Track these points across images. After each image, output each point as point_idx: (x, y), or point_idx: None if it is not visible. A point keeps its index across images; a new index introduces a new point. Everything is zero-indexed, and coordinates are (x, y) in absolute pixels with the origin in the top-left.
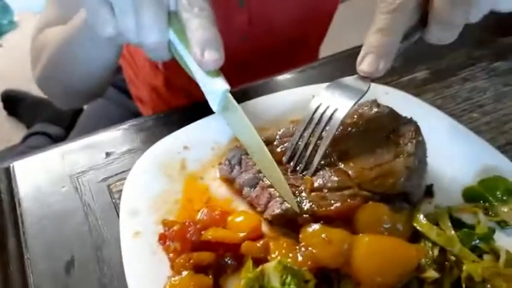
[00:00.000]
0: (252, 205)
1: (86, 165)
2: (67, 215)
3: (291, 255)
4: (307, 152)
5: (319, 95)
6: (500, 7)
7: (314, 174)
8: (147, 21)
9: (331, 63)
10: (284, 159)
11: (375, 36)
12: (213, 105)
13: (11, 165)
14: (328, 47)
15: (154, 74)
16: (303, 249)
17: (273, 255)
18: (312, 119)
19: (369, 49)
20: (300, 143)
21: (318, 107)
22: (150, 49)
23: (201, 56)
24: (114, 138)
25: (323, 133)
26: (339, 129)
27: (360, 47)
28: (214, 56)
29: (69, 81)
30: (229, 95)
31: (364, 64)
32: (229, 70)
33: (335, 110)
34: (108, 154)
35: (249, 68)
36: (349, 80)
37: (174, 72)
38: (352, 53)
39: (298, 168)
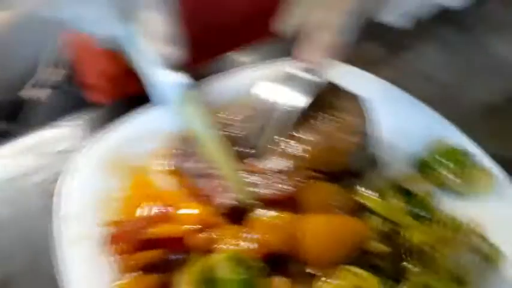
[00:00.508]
0: (200, 196)
1: (18, 168)
2: (1, 225)
3: (241, 243)
4: (259, 140)
5: (273, 86)
6: None
7: (262, 159)
8: (99, 13)
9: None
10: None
11: (321, 31)
12: (169, 99)
13: None
14: None
15: (106, 59)
16: (250, 235)
17: (220, 245)
18: (266, 110)
19: (314, 41)
20: (252, 130)
21: (272, 99)
22: (101, 41)
23: (164, 50)
24: (52, 136)
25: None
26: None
27: None
28: (177, 51)
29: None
30: (191, 91)
31: (309, 54)
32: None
33: (291, 105)
34: (46, 154)
35: (203, 45)
36: (301, 72)
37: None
38: None
39: (249, 153)
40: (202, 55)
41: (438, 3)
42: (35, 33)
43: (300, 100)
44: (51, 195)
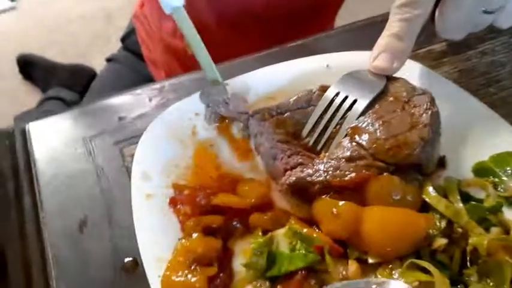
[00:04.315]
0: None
1: (99, 128)
2: (80, 176)
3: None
4: (325, 134)
5: (336, 84)
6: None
7: (332, 146)
8: None
9: (345, 33)
10: (303, 134)
11: (389, 39)
12: (165, 9)
13: (27, 126)
14: (344, 19)
15: (174, 35)
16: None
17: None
18: (330, 105)
19: (383, 48)
20: (318, 124)
21: (336, 95)
22: None
23: None
24: (127, 102)
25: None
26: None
27: (375, 17)
28: None
29: None
30: (184, 12)
31: (379, 60)
32: (244, 21)
33: (354, 101)
34: (120, 118)
35: (264, 21)
36: (365, 72)
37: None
38: (367, 24)
39: (317, 145)
40: (267, 32)
41: (490, 23)
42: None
43: (364, 104)
44: (127, 156)
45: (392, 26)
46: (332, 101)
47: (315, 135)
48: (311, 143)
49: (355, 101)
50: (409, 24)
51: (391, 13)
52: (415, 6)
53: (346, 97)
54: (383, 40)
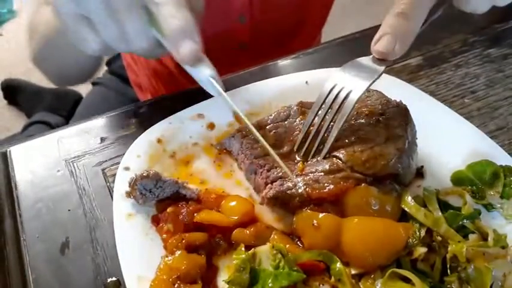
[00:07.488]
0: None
1: (81, 150)
2: (62, 198)
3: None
4: (319, 137)
5: (334, 76)
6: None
7: (308, 159)
8: (128, 26)
9: (325, 50)
10: (296, 145)
11: (394, 19)
12: (208, 90)
13: (8, 150)
14: (329, 35)
15: (160, 60)
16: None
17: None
18: (325, 101)
19: (386, 30)
20: (311, 128)
21: (332, 89)
22: (141, 53)
23: (176, 52)
24: (108, 123)
25: (336, 116)
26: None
27: (353, 34)
28: (188, 48)
29: (60, 65)
30: (213, 81)
31: (380, 44)
32: (230, 51)
33: (349, 92)
34: (102, 139)
35: (250, 49)
36: (364, 60)
37: None
38: (346, 40)
39: (310, 154)
40: (248, 58)
41: None
42: None
43: (360, 84)
44: (109, 176)
45: (398, 4)
46: (328, 95)
47: (307, 141)
48: (304, 149)
49: (350, 92)
50: (416, 1)
51: None
52: None
53: (342, 89)
54: (388, 20)
